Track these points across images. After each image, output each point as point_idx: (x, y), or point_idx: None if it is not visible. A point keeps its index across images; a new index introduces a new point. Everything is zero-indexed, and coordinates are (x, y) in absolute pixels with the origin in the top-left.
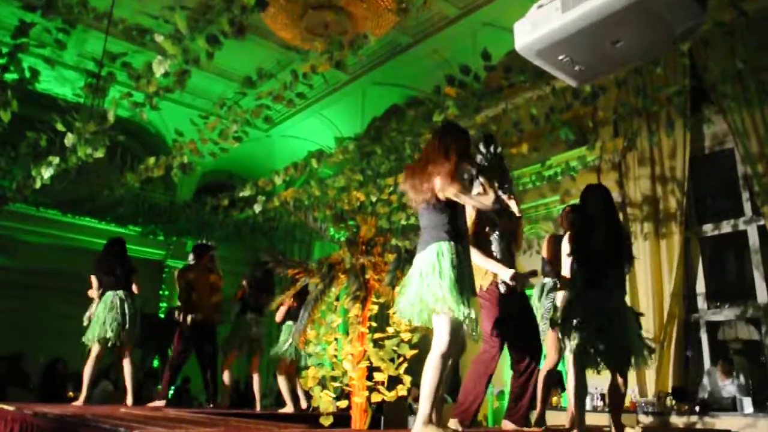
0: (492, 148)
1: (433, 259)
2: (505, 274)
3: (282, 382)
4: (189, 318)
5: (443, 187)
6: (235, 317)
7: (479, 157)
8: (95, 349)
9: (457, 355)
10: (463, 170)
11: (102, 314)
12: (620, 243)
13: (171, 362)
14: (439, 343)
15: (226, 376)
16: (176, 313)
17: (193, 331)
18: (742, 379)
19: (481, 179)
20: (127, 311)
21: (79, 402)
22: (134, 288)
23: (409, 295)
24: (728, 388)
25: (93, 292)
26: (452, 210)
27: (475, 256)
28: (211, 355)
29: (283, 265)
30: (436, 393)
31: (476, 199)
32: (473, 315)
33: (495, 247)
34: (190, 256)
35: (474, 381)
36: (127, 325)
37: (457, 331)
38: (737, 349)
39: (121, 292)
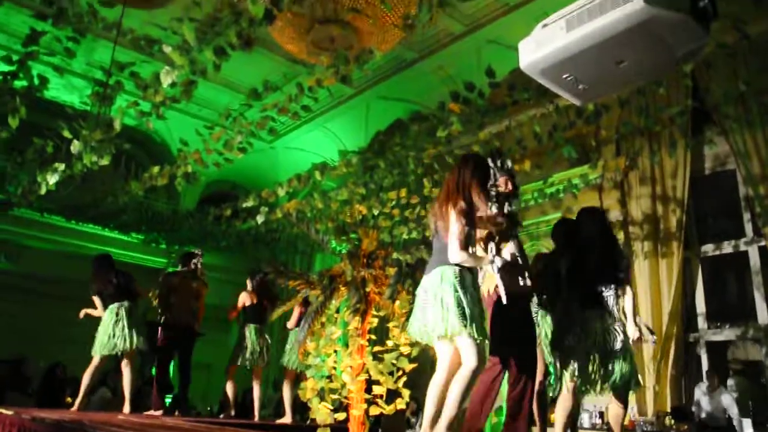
0: (500, 163)
1: (436, 283)
2: (485, 261)
3: (287, 391)
4: (166, 319)
5: (452, 221)
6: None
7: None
8: (97, 359)
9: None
10: (471, 214)
11: (110, 326)
12: (616, 265)
13: (156, 371)
14: (468, 361)
15: (229, 388)
16: (158, 317)
17: (173, 334)
18: (733, 390)
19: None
20: (132, 321)
21: (75, 408)
22: (138, 293)
23: (416, 317)
24: (717, 398)
25: (99, 312)
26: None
27: None
28: (183, 360)
29: (284, 276)
30: (461, 403)
31: (454, 245)
32: (478, 334)
33: (518, 253)
34: (180, 265)
35: (480, 399)
36: (132, 335)
37: (480, 347)
38: (737, 369)
39: (126, 303)
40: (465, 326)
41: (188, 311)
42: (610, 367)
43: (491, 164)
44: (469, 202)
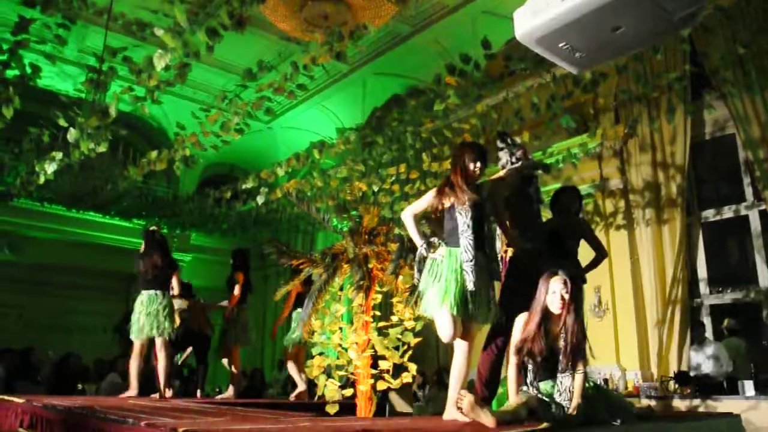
0: (509, 140)
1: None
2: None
3: (291, 367)
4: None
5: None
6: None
7: (504, 153)
8: (138, 344)
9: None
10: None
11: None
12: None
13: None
14: (441, 335)
15: (235, 368)
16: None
17: (192, 335)
18: (712, 349)
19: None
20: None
21: (131, 393)
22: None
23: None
24: (706, 350)
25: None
26: (452, 219)
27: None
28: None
29: (286, 255)
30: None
31: (413, 231)
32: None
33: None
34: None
35: (488, 369)
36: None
37: (453, 322)
38: (738, 331)
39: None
40: (437, 303)
41: (203, 317)
42: None
43: (501, 144)
44: (451, 184)
